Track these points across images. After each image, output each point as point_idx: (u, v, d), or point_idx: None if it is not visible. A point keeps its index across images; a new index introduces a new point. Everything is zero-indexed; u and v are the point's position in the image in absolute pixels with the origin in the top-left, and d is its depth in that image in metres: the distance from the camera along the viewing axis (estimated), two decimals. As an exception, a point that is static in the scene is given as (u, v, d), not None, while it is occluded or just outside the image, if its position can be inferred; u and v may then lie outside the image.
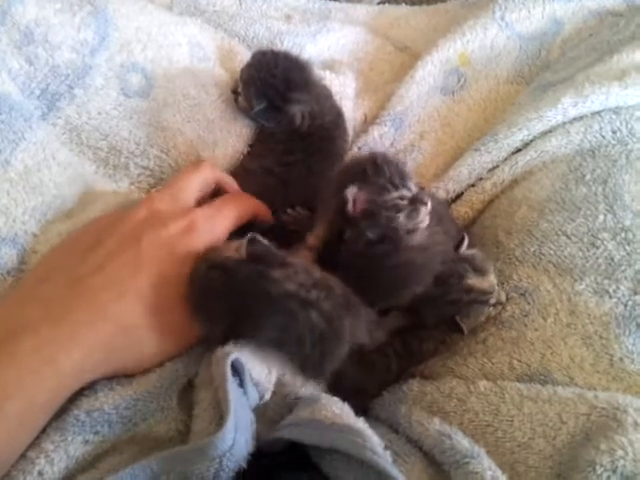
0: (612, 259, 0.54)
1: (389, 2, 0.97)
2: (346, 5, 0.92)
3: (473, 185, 0.68)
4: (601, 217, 0.56)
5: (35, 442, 0.42)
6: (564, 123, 0.63)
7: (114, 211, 0.56)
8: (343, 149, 0.70)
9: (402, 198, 0.51)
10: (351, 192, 0.50)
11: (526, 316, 0.54)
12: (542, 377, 0.50)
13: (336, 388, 0.53)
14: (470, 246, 0.59)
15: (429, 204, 0.52)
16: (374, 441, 0.41)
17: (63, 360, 0.41)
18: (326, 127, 0.66)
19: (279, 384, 0.48)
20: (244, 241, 0.46)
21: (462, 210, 0.68)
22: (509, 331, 0.55)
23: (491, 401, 0.48)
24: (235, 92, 0.68)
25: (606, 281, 0.53)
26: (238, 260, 0.46)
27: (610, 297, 0.52)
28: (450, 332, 0.58)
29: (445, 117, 0.75)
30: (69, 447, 0.42)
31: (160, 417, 0.47)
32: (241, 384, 0.44)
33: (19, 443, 0.40)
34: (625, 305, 0.51)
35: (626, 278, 0.52)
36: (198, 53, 0.71)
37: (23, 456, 0.41)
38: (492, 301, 0.55)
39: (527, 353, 0.52)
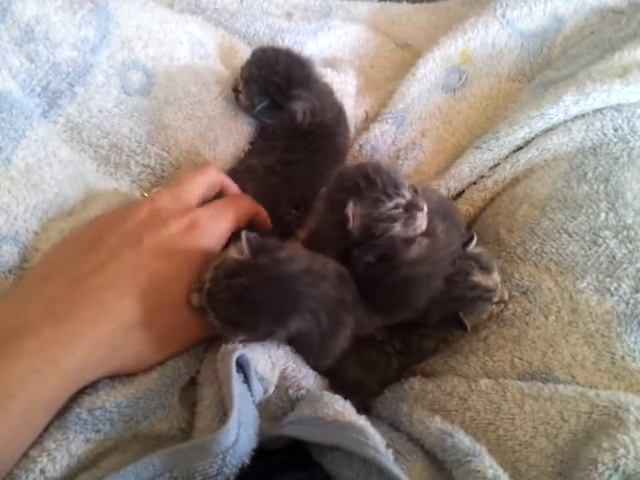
0: (614, 257, 0.53)
1: (390, -1, 0.97)
2: (347, 2, 0.91)
3: (474, 183, 0.68)
4: (603, 215, 0.56)
5: (37, 440, 0.42)
6: (566, 121, 0.63)
7: (115, 209, 0.56)
8: (345, 146, 0.70)
9: (397, 207, 0.51)
10: (350, 209, 0.50)
11: (528, 314, 0.54)
12: (543, 375, 0.50)
13: (337, 386, 0.53)
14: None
15: (425, 208, 0.52)
16: (376, 439, 0.41)
17: (65, 359, 0.41)
18: (327, 124, 0.66)
19: (281, 378, 0.48)
20: (242, 241, 0.47)
21: (463, 208, 0.68)
22: (510, 329, 0.55)
23: (492, 399, 0.48)
24: (236, 90, 0.68)
25: (608, 279, 0.53)
26: (246, 259, 0.46)
27: (612, 295, 0.52)
28: (453, 329, 0.58)
29: (446, 115, 0.74)
30: (71, 445, 0.42)
31: (162, 415, 0.47)
32: (246, 380, 0.44)
33: (22, 442, 0.40)
34: (627, 303, 0.51)
35: (628, 276, 0.52)
36: (199, 51, 0.71)
37: (25, 455, 0.41)
38: (495, 299, 0.55)
39: (528, 351, 0.52)
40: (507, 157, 0.66)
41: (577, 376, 0.49)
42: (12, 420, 0.38)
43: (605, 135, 0.61)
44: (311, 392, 0.49)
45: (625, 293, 0.52)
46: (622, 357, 0.49)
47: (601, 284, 0.53)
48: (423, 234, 0.53)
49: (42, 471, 0.40)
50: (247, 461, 0.40)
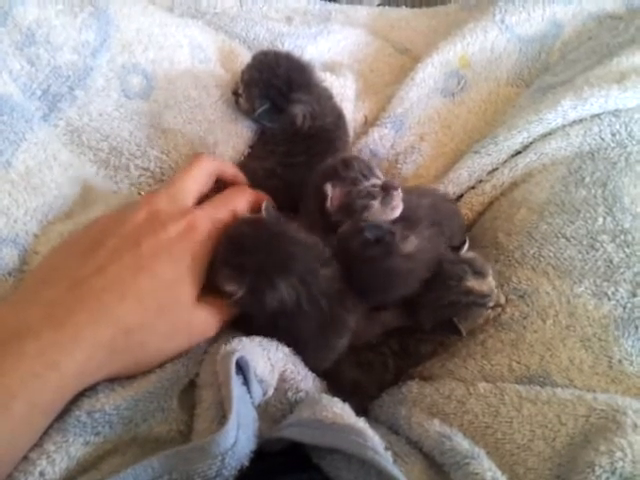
0: (611, 261, 0.54)
1: (389, 4, 0.98)
2: (346, 7, 0.92)
3: (473, 187, 0.68)
4: (600, 219, 0.56)
5: (37, 443, 0.41)
6: (564, 126, 0.64)
7: (114, 211, 0.56)
8: (344, 150, 0.70)
9: (374, 186, 0.56)
10: (328, 188, 0.55)
11: (525, 318, 0.55)
12: (541, 379, 0.50)
13: (335, 388, 0.53)
14: (470, 249, 0.59)
15: (399, 189, 0.56)
16: (375, 441, 0.41)
17: (66, 363, 0.41)
18: (327, 128, 0.66)
19: (281, 380, 0.48)
20: (262, 210, 0.53)
21: (462, 212, 0.68)
22: (508, 333, 0.55)
23: (490, 403, 0.48)
24: (236, 93, 0.68)
25: (605, 283, 0.53)
26: (264, 217, 0.53)
27: (609, 299, 0.52)
28: (448, 334, 0.58)
29: (445, 119, 0.75)
30: (70, 448, 0.42)
31: (161, 418, 0.47)
32: (245, 382, 0.44)
33: (22, 443, 0.40)
34: (624, 307, 0.52)
35: (625, 280, 0.53)
36: (199, 54, 0.71)
37: (25, 457, 0.41)
38: (490, 304, 0.55)
39: (526, 355, 0.52)
40: (505, 162, 0.66)
41: (575, 380, 0.49)
42: (14, 421, 0.38)
43: (603, 140, 0.61)
44: (310, 394, 0.49)
45: (622, 297, 0.52)
46: (619, 361, 0.49)
47: (598, 288, 0.53)
48: (414, 234, 0.54)
49: (42, 474, 0.40)
50: (246, 463, 0.40)
